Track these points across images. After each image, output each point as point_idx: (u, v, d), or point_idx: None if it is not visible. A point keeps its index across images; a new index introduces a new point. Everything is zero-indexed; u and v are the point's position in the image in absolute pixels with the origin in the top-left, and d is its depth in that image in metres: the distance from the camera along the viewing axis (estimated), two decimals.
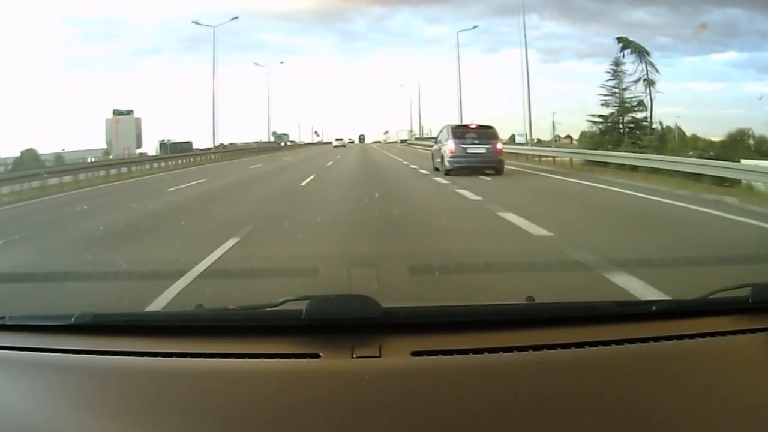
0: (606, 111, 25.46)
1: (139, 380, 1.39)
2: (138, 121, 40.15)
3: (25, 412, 1.28)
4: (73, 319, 1.59)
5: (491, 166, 15.70)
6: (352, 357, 1.42)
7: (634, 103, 25.14)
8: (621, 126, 25.05)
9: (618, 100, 25.18)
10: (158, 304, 3.81)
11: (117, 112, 39.70)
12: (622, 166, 16.80)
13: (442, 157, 16.09)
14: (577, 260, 5.00)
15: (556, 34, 53.25)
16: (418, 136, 52.73)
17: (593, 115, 25.63)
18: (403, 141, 57.04)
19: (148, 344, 1.52)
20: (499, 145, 16.23)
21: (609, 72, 25.38)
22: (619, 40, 26.07)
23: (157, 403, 1.31)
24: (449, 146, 15.76)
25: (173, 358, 1.45)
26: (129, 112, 40.16)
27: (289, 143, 53.92)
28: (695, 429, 1.19)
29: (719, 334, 1.54)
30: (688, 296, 1.74)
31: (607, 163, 17.71)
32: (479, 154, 15.69)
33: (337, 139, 54.24)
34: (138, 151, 37.18)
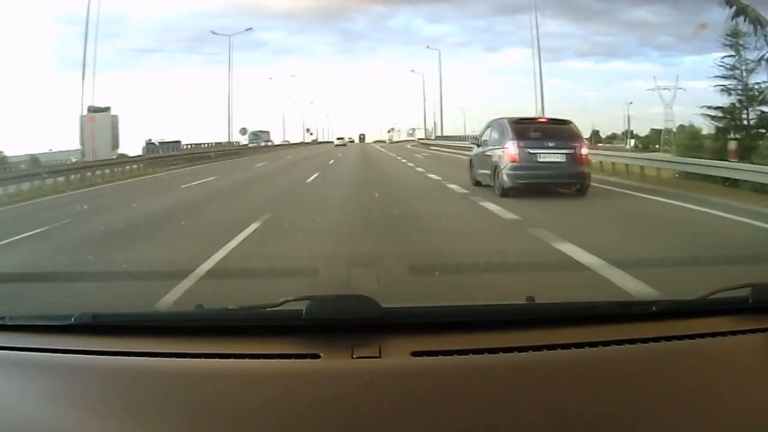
0: (717, 101, 16.64)
1: (139, 380, 1.39)
2: (115, 119, 35.59)
3: (25, 412, 1.28)
4: (73, 319, 1.59)
5: (572, 181, 10.35)
6: (352, 357, 1.42)
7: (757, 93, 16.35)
8: (746, 123, 16.23)
9: (741, 87, 16.38)
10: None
11: (92, 109, 35.04)
12: (755, 186, 11.13)
13: (496, 169, 10.54)
14: (577, 260, 5.00)
15: (557, 33, 53.24)
16: (439, 134, 43.37)
17: (708, 107, 16.59)
18: (420, 140, 48.18)
19: (148, 344, 1.52)
20: (584, 150, 10.64)
21: (724, 44, 16.68)
22: (729, 3, 16.28)
23: (156, 403, 1.31)
24: (509, 151, 10.25)
25: (173, 358, 1.45)
26: (105, 109, 35.36)
27: (261, 144, 45.09)
28: (695, 429, 1.19)
29: (719, 334, 1.54)
30: (688, 296, 1.74)
31: (734, 181, 11.80)
32: (555, 165, 10.21)
33: (338, 138, 53.04)
34: (118, 152, 32.83)
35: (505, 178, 10.25)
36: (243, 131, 42.95)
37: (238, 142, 40.64)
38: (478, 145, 12.38)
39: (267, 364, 1.43)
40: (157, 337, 1.57)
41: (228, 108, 39.82)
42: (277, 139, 52.43)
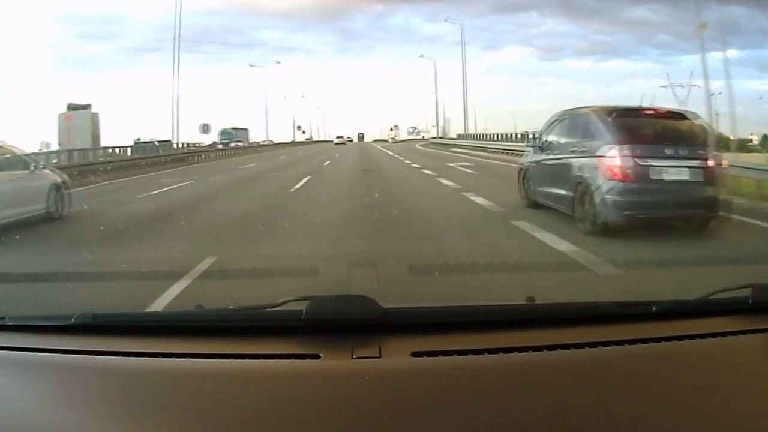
0: None
1: (139, 381, 1.39)
2: (95, 116, 31.73)
3: (25, 413, 1.28)
4: (73, 320, 1.59)
5: (702, 212, 6.56)
6: (352, 357, 1.42)
7: None
8: None
9: None
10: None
11: (72, 107, 31.59)
12: None
13: (584, 190, 6.67)
14: (577, 260, 5.00)
15: (556, 32, 53.02)
16: (460, 132, 36.29)
17: None
18: (433, 140, 39.90)
19: (148, 344, 1.52)
20: (719, 161, 6.78)
21: None
22: None
23: (156, 403, 1.31)
24: (613, 162, 6.41)
25: (173, 359, 1.45)
26: (85, 107, 31.86)
27: (231, 145, 36.05)
28: (695, 429, 1.19)
29: (719, 334, 1.54)
30: (688, 296, 1.74)
31: None
32: (683, 186, 6.44)
33: (338, 137, 51.52)
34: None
35: (606, 206, 6.26)
36: (204, 128, 35.07)
37: (201, 143, 33.33)
38: (541, 149, 8.28)
39: (267, 365, 1.43)
40: (157, 337, 1.57)
41: (173, 99, 30.69)
42: (260, 137, 44.10)
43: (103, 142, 29.95)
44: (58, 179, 9.06)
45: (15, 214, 7.58)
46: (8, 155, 8.63)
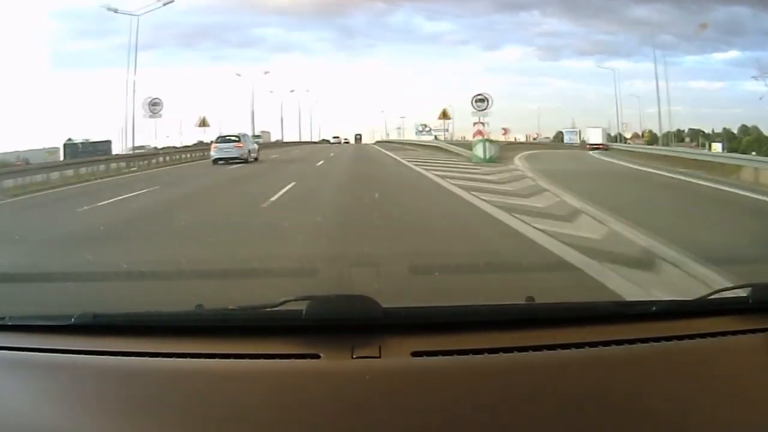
0: None
1: (139, 380, 1.39)
2: None
3: (25, 412, 1.28)
4: (73, 319, 1.59)
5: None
6: (352, 357, 1.42)
7: None
8: None
9: None
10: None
11: None
12: None
13: None
14: (577, 261, 5.01)
15: (557, 32, 52.57)
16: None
17: None
18: (630, 143, 28.40)
19: (148, 344, 1.52)
20: None
21: None
22: None
23: (156, 403, 1.31)
24: None
25: (173, 359, 1.45)
26: None
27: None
28: (695, 428, 1.19)
29: (719, 334, 1.54)
30: (688, 296, 1.74)
31: None
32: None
33: (334, 137, 48.70)
34: None
35: None
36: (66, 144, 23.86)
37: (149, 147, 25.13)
38: None
39: (267, 364, 1.43)
40: (157, 337, 1.57)
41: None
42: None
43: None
44: (257, 146, 23.35)
45: (255, 156, 21.83)
46: (250, 136, 23.07)
